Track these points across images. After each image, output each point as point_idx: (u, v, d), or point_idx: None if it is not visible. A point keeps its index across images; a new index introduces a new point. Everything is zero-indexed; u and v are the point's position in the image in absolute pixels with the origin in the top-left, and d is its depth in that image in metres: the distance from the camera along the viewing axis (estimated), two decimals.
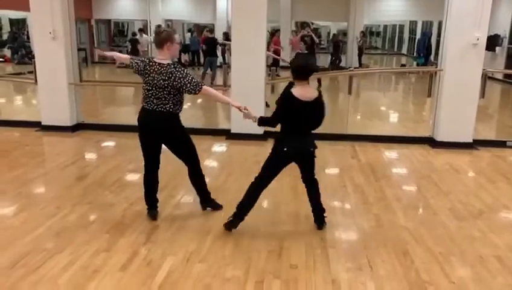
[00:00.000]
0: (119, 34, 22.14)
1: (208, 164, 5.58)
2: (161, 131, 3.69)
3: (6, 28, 19.88)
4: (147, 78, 3.60)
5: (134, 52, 15.64)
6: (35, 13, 6.76)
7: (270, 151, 3.59)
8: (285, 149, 3.48)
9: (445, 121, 6.43)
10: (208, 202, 4.10)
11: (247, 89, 6.33)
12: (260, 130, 6.21)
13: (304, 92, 3.38)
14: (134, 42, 16.18)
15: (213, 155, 6.10)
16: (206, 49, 13.09)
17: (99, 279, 2.99)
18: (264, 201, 4.32)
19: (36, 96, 7.90)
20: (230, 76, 6.67)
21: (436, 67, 6.95)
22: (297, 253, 3.37)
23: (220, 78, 10.27)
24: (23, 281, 2.96)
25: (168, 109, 3.60)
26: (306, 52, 11.43)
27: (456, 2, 6.09)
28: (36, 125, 7.10)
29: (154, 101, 3.59)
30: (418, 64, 17.67)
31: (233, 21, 6.61)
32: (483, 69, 6.30)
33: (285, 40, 14.98)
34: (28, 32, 18.31)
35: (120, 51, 19.28)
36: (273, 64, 9.88)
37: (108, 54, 4.25)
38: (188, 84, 3.54)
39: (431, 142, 6.56)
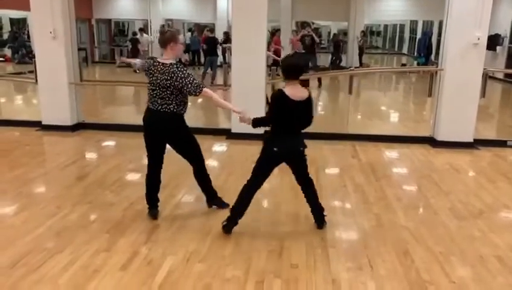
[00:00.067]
0: (119, 33, 22.09)
1: (209, 163, 5.52)
2: (165, 131, 3.72)
3: (7, 27, 19.91)
4: (152, 78, 3.65)
5: (134, 51, 15.66)
6: (36, 13, 6.76)
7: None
8: (275, 149, 3.47)
9: (445, 121, 6.42)
10: (213, 200, 4.13)
11: (247, 89, 6.34)
12: (261, 129, 6.16)
13: (295, 91, 3.39)
14: (135, 42, 16.16)
15: (213, 155, 6.10)
16: (206, 48, 13.14)
17: (100, 278, 3.00)
18: (264, 201, 4.33)
19: (36, 95, 7.89)
20: (231, 76, 6.67)
21: (437, 66, 6.94)
22: (298, 253, 3.37)
23: (220, 78, 10.27)
24: (24, 280, 2.96)
25: (172, 109, 3.63)
26: (303, 52, 11.45)
27: (457, 1, 6.08)
28: (36, 124, 7.11)
29: (159, 101, 3.62)
30: (418, 64, 17.63)
31: (234, 21, 6.61)
32: (484, 69, 6.30)
33: (285, 40, 14.96)
34: (28, 31, 18.32)
35: (120, 51, 19.43)
36: (274, 64, 9.86)
37: (130, 60, 4.77)
38: (189, 85, 3.56)
39: (431, 141, 6.56)
